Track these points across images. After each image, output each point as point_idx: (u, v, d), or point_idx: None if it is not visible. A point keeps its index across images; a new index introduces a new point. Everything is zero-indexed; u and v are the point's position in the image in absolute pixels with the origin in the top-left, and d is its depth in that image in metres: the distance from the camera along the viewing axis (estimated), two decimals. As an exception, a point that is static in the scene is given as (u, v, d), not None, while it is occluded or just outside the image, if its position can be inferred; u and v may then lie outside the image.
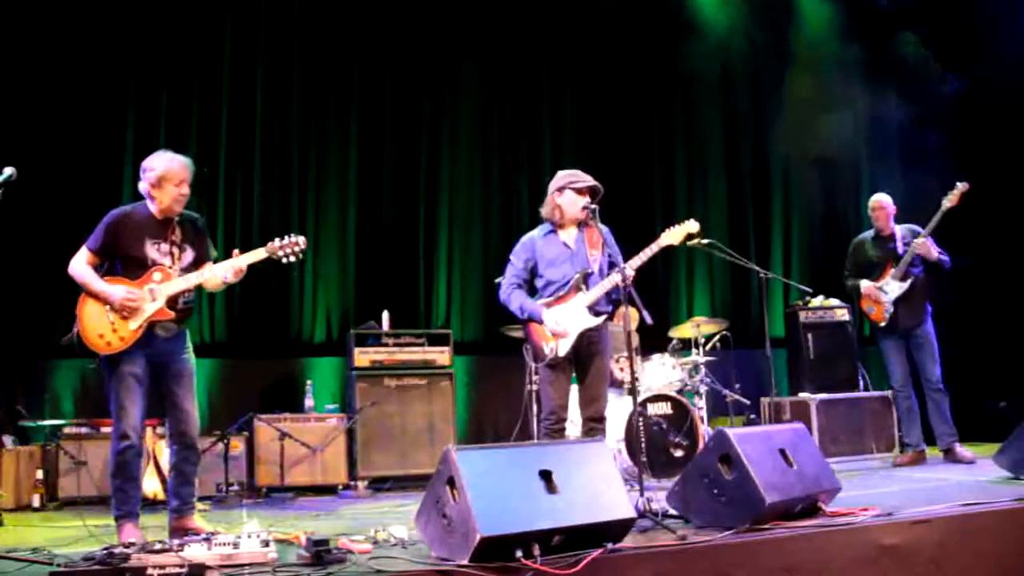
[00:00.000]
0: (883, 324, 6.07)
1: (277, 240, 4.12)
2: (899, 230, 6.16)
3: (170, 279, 3.95)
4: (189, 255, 4.07)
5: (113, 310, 3.86)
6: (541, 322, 4.36)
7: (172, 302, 3.94)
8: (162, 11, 6.80)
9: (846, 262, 6.41)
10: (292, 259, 4.13)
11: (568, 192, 4.43)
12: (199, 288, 4.11)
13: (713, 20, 8.36)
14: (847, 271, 6.38)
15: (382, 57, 7.48)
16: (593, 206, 4.35)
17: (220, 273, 4.02)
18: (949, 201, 5.88)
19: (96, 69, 6.59)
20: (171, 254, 4.00)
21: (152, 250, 3.96)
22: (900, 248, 6.07)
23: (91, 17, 6.58)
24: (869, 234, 6.32)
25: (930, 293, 6.13)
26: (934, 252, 5.95)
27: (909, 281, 6.01)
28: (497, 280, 4.75)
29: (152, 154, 4.07)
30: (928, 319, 6.09)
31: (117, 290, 3.87)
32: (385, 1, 7.51)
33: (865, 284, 6.14)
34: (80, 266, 3.93)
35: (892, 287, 6.04)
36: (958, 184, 5.89)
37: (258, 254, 4.09)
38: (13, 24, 6.35)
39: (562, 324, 4.32)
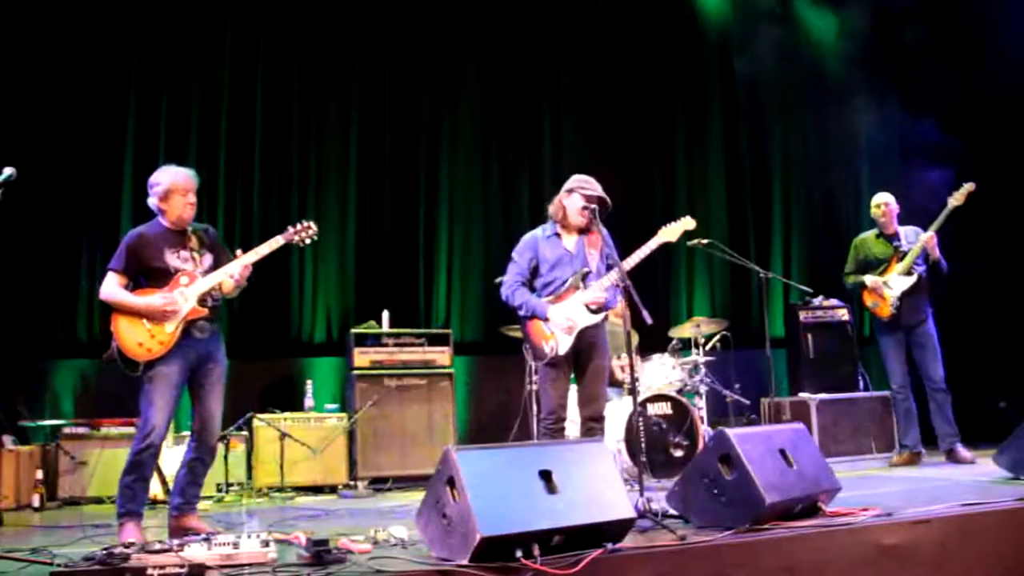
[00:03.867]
0: (887, 319, 6.04)
1: (291, 227, 4.28)
2: (902, 230, 6.14)
3: (196, 280, 4.07)
4: (208, 259, 4.19)
5: (152, 319, 3.96)
6: (545, 319, 4.37)
7: (202, 300, 4.06)
8: (162, 11, 6.81)
9: (847, 261, 6.39)
10: (308, 242, 4.30)
11: (576, 196, 4.45)
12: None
13: (713, 18, 8.37)
14: (848, 268, 6.35)
15: (382, 57, 7.49)
16: (592, 206, 4.35)
17: (238, 266, 4.10)
18: (955, 200, 5.89)
19: (96, 69, 6.60)
20: (192, 259, 4.13)
21: (173, 258, 4.09)
22: (904, 245, 6.06)
23: (92, 17, 6.58)
24: (871, 232, 6.30)
25: (931, 293, 6.12)
26: (936, 251, 5.92)
27: (914, 276, 5.98)
28: (498, 280, 4.76)
29: (156, 170, 4.18)
30: (930, 318, 6.08)
31: (154, 300, 3.98)
32: (385, 1, 7.52)
33: (871, 278, 6.10)
34: (112, 289, 4.03)
35: (897, 281, 6.00)
36: (964, 184, 5.89)
37: (275, 242, 4.20)
38: (13, 25, 6.35)
39: (569, 319, 4.33)
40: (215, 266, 4.17)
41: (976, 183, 5.89)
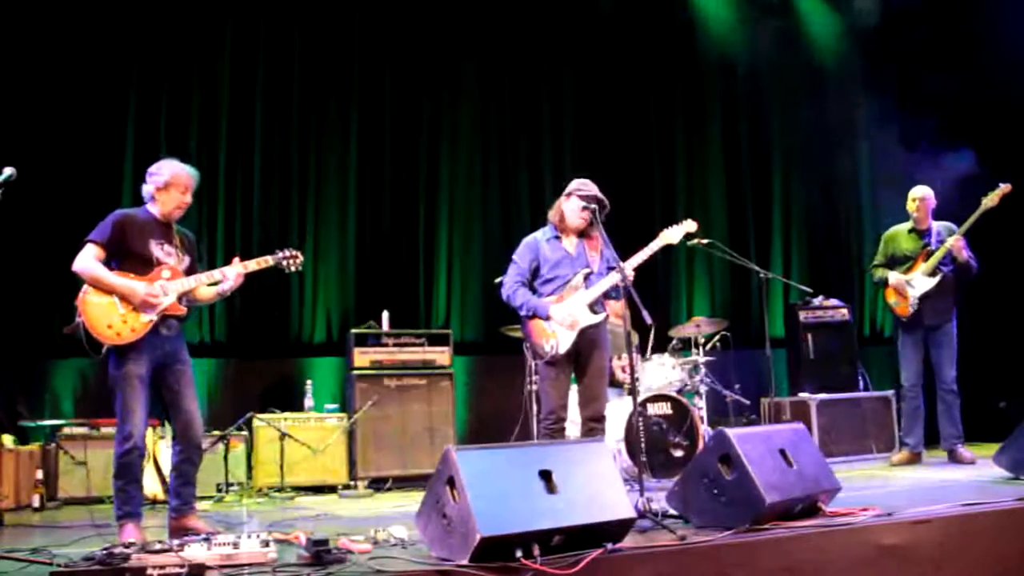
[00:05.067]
0: (907, 318, 6.01)
1: (280, 252, 4.35)
2: (935, 226, 6.08)
3: (180, 276, 4.04)
4: (187, 261, 4.18)
5: (131, 304, 3.88)
6: (546, 318, 4.38)
7: (179, 299, 4.03)
8: (162, 11, 6.81)
9: (877, 252, 6.33)
10: (293, 270, 4.37)
11: (574, 199, 4.47)
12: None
13: (713, 17, 8.37)
14: (876, 261, 6.32)
15: (382, 57, 7.48)
16: (593, 206, 4.36)
17: (231, 273, 4.12)
18: (989, 201, 5.84)
19: (96, 70, 6.59)
20: (176, 255, 4.11)
21: (157, 249, 4.05)
22: (934, 244, 6.00)
23: (91, 17, 6.58)
24: (904, 226, 6.22)
25: (957, 293, 6.06)
26: (964, 253, 5.87)
27: (938, 278, 5.93)
28: (497, 280, 4.76)
29: (160, 160, 4.17)
30: (953, 319, 6.03)
31: (138, 286, 3.92)
32: (385, 1, 7.52)
33: (894, 276, 6.07)
34: (89, 262, 3.92)
35: (920, 282, 5.96)
36: (1000, 184, 5.84)
37: (265, 261, 4.26)
38: (13, 24, 6.35)
39: (570, 316, 4.34)
40: (191, 269, 4.17)
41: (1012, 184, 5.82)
